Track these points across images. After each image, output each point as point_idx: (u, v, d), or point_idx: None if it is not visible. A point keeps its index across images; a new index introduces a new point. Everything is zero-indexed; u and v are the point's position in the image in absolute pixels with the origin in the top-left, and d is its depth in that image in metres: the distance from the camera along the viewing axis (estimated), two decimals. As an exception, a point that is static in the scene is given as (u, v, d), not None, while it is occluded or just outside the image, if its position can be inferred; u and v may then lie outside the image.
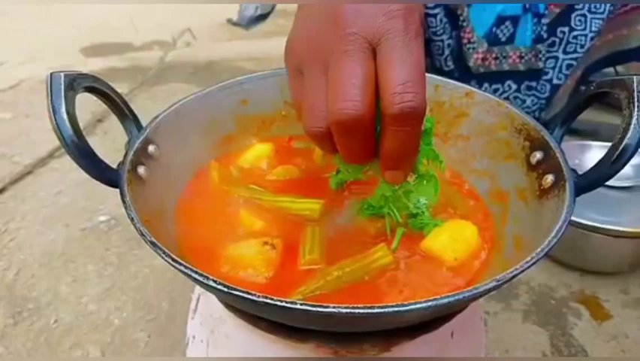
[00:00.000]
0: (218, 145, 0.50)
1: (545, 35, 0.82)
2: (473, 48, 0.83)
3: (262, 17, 1.68)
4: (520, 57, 0.84)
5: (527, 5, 0.80)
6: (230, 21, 1.92)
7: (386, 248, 0.38)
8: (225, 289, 0.27)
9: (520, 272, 0.29)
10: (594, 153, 0.81)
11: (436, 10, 0.79)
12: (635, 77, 0.33)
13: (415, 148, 0.34)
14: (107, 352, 0.64)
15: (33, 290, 0.73)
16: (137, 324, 0.68)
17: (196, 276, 0.28)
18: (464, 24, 0.81)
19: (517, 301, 0.71)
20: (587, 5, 0.79)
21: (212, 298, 0.42)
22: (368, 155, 0.34)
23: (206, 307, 0.44)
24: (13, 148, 1.11)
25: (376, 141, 0.33)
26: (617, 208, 0.71)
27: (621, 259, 0.73)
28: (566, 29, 0.81)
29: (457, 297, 0.27)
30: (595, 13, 0.80)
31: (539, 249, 0.31)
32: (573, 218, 0.52)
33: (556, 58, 0.84)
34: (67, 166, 1.04)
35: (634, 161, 0.37)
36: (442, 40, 0.82)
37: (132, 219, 0.32)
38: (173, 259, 0.29)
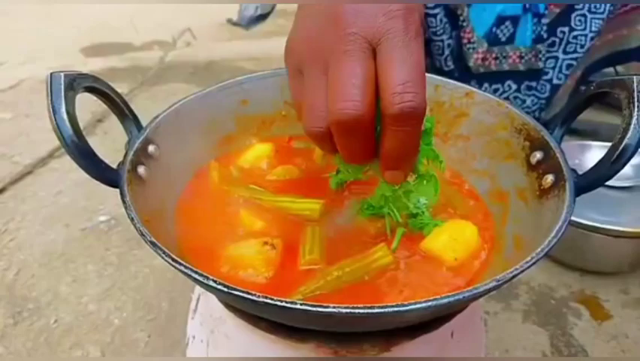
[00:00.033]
0: (218, 145, 0.50)
1: (545, 35, 0.82)
2: (473, 48, 0.83)
3: (262, 17, 1.68)
4: (520, 57, 0.84)
5: (527, 5, 0.80)
6: (230, 21, 1.92)
7: (386, 248, 0.38)
8: (225, 289, 0.27)
9: (520, 272, 0.29)
10: (594, 153, 0.81)
11: (436, 10, 0.79)
12: (635, 77, 0.33)
13: (415, 148, 0.34)
14: (107, 352, 0.64)
15: (33, 290, 0.74)
16: (137, 324, 0.68)
17: (196, 276, 0.28)
18: (464, 24, 0.81)
19: (517, 301, 0.71)
20: (587, 5, 0.79)
21: (212, 298, 0.42)
22: (368, 155, 0.34)
23: (206, 307, 0.44)
24: (13, 148, 1.11)
25: (376, 141, 0.33)
26: (617, 208, 0.71)
27: (621, 259, 0.73)
28: (566, 29, 0.81)
29: (457, 297, 0.27)
30: (595, 13, 0.80)
31: (539, 249, 0.31)
32: (573, 218, 0.52)
33: (557, 58, 0.84)
34: (67, 166, 1.04)
35: (634, 161, 0.37)
36: (442, 40, 0.82)
37: (132, 219, 0.32)
38: (173, 259, 0.29)
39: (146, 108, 0.85)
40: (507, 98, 0.87)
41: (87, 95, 0.37)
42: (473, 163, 0.48)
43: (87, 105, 1.17)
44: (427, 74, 0.49)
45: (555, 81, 0.86)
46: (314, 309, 0.26)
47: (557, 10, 0.80)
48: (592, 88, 0.37)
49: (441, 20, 0.80)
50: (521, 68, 0.85)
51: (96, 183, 0.35)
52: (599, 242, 0.70)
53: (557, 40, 0.82)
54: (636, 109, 0.33)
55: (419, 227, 0.40)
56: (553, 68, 0.85)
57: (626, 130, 0.33)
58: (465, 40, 0.82)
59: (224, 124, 0.50)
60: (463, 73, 0.85)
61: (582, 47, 0.82)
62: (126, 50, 1.78)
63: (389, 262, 0.37)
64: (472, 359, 0.45)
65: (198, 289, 0.49)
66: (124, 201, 0.34)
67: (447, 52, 0.83)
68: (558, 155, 0.38)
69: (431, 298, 0.26)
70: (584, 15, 0.80)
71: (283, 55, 0.38)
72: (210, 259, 0.37)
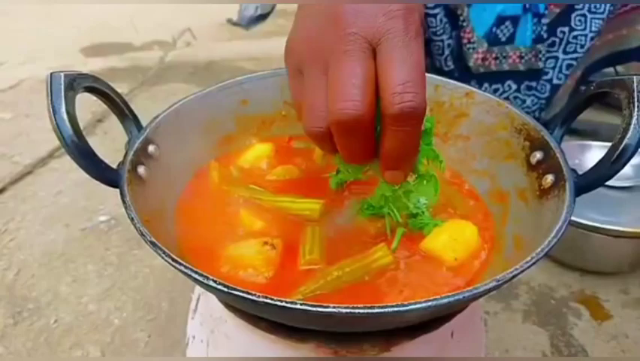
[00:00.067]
0: (218, 145, 0.50)
1: (545, 35, 0.82)
2: (473, 48, 0.83)
3: (262, 17, 1.68)
4: (520, 57, 0.84)
5: (527, 5, 0.80)
6: (230, 21, 1.92)
7: (386, 248, 0.38)
8: (225, 289, 0.27)
9: (520, 272, 0.29)
10: (594, 153, 0.81)
11: (436, 10, 0.79)
12: (635, 77, 0.33)
13: (415, 148, 0.34)
14: (107, 352, 0.64)
15: (33, 290, 0.74)
16: (137, 324, 0.68)
17: (196, 276, 0.28)
18: (464, 24, 0.81)
19: (517, 301, 0.71)
20: (587, 5, 0.79)
21: (212, 298, 0.42)
22: (368, 155, 0.34)
23: (206, 307, 0.44)
24: (13, 148, 1.11)
25: (376, 141, 0.33)
26: (617, 208, 0.71)
27: (621, 259, 0.73)
28: (566, 29, 0.81)
29: (457, 297, 0.27)
30: (595, 13, 0.80)
31: (539, 249, 0.31)
32: (573, 218, 0.52)
33: (557, 58, 0.84)
34: (67, 166, 1.04)
35: (634, 161, 0.37)
36: (442, 41, 0.82)
37: (132, 219, 0.32)
38: (173, 259, 0.29)
39: (146, 108, 0.85)
40: (507, 98, 0.87)
41: (87, 95, 0.37)
42: (473, 163, 0.48)
43: (87, 105, 1.17)
44: (427, 74, 0.49)
45: (555, 81, 0.86)
46: (314, 309, 0.26)
47: (557, 10, 0.80)
48: (592, 88, 0.37)
49: (441, 20, 0.80)
50: (521, 68, 0.85)
51: (96, 183, 0.35)
52: (599, 242, 0.70)
53: (557, 40, 0.82)
54: (636, 109, 0.33)
55: (419, 227, 0.40)
56: (554, 68, 0.85)
57: (626, 130, 0.33)
58: (465, 40, 0.82)
59: (224, 124, 0.50)
60: (463, 73, 0.85)
61: (582, 46, 0.82)
62: (126, 50, 1.78)
63: (389, 262, 0.37)
64: (472, 359, 0.45)
65: (198, 289, 0.49)
66: (124, 201, 0.34)
67: (447, 52, 0.83)
68: (558, 155, 0.38)
69: (431, 298, 0.26)
70: (584, 15, 0.80)
71: (283, 55, 0.38)
72: (210, 259, 0.37)
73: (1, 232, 0.85)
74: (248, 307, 0.33)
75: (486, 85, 0.86)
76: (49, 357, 0.64)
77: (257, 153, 0.50)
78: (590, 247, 0.71)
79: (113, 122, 0.76)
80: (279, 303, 0.26)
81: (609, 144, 0.34)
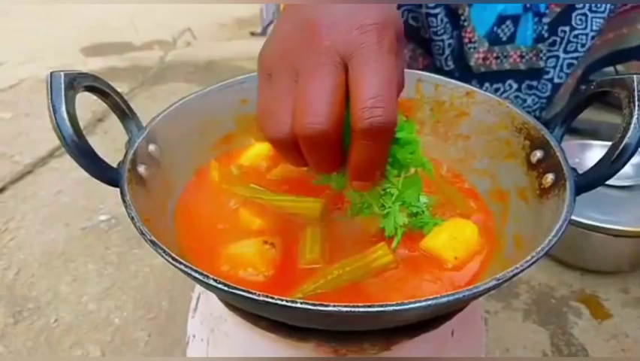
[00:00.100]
0: (218, 144, 0.50)
1: (546, 34, 0.82)
2: (474, 48, 0.83)
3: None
4: (521, 56, 0.84)
5: (528, 4, 0.80)
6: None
7: (386, 247, 0.38)
8: (226, 288, 0.27)
9: (520, 271, 0.29)
10: (594, 152, 0.81)
11: (437, 10, 0.79)
12: (635, 76, 0.33)
13: (382, 161, 0.34)
14: (107, 351, 0.64)
15: (33, 290, 0.74)
16: (137, 323, 0.68)
17: (196, 275, 0.28)
18: (465, 24, 0.81)
19: (517, 301, 0.71)
20: (587, 4, 0.79)
21: (212, 297, 0.42)
22: (335, 165, 0.34)
23: (207, 306, 0.44)
24: (13, 147, 1.11)
25: (346, 151, 0.33)
26: (618, 207, 0.71)
27: (621, 259, 0.73)
28: (567, 28, 0.81)
29: (456, 296, 0.27)
30: (596, 12, 0.80)
31: (539, 248, 0.31)
32: (573, 217, 0.52)
33: (557, 57, 0.84)
34: (67, 165, 1.04)
35: (634, 160, 0.37)
36: (443, 40, 0.82)
37: (132, 219, 0.32)
38: (173, 258, 0.29)
39: (146, 108, 0.85)
40: (508, 98, 0.87)
41: (87, 94, 0.37)
42: (473, 162, 0.48)
43: (87, 104, 1.17)
44: (428, 73, 0.50)
45: (556, 80, 0.86)
46: (314, 308, 0.26)
47: (558, 10, 0.80)
48: (592, 87, 0.37)
49: (442, 20, 0.80)
50: (522, 67, 0.85)
51: (96, 182, 0.35)
52: (599, 241, 0.69)
53: (558, 39, 0.82)
54: (636, 108, 0.32)
55: (419, 226, 0.40)
56: (554, 67, 0.85)
57: (626, 129, 0.33)
58: (466, 40, 0.82)
59: (225, 123, 0.50)
60: (463, 72, 0.85)
61: (583, 45, 0.82)
62: (126, 49, 1.78)
63: (389, 261, 0.37)
64: (473, 358, 0.45)
65: (198, 288, 0.49)
66: (124, 201, 0.34)
67: (447, 51, 0.83)
68: (558, 154, 0.38)
69: (431, 297, 0.26)
70: (584, 14, 0.80)
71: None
72: (210, 258, 0.38)
73: (1, 231, 0.85)
74: (248, 306, 0.33)
75: (487, 84, 0.86)
76: (50, 356, 0.64)
77: (257, 152, 0.50)
78: (590, 246, 0.71)
79: (113, 121, 0.76)
80: (279, 302, 0.26)
81: (609, 143, 0.34)
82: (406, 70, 0.36)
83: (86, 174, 0.34)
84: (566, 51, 0.83)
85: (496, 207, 0.44)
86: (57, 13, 2.11)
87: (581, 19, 0.80)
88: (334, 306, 0.25)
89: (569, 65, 0.85)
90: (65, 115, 0.33)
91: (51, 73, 0.33)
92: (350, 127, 0.30)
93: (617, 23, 0.83)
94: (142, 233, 0.31)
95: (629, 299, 0.71)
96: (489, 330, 0.66)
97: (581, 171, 0.36)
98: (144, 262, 0.78)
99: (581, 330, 0.67)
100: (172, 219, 0.42)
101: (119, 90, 0.40)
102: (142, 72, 1.53)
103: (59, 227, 0.86)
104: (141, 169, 0.38)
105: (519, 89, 0.87)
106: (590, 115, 0.86)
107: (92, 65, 1.60)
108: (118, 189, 0.35)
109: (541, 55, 0.83)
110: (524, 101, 0.88)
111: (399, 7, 0.80)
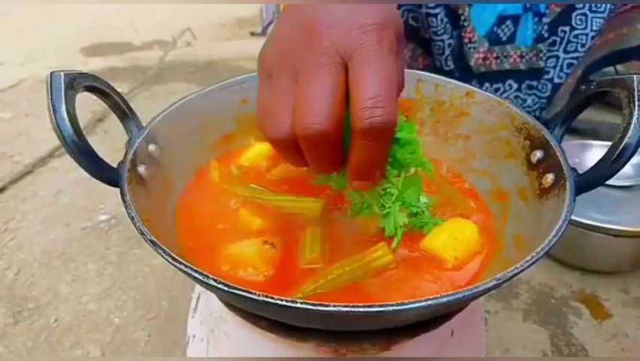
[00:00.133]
0: (218, 144, 0.50)
1: (546, 34, 0.82)
2: (474, 48, 0.83)
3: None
4: (521, 56, 0.84)
5: (528, 4, 0.80)
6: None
7: (386, 247, 0.38)
8: (226, 288, 0.27)
9: (520, 271, 0.29)
10: (594, 152, 0.81)
11: (437, 10, 0.79)
12: (635, 76, 0.33)
13: (382, 161, 0.34)
14: (107, 351, 0.64)
15: (33, 290, 0.74)
16: (137, 323, 0.68)
17: (196, 275, 0.28)
18: (465, 24, 0.81)
19: (517, 301, 0.71)
20: (587, 4, 0.79)
21: (212, 297, 0.42)
22: (335, 165, 0.34)
23: (207, 306, 0.44)
24: (13, 147, 1.11)
25: (346, 151, 0.33)
26: (618, 207, 0.71)
27: (621, 259, 0.73)
28: (567, 28, 0.81)
29: (456, 296, 0.27)
30: (596, 12, 0.80)
31: (539, 248, 0.31)
32: (573, 217, 0.52)
33: (557, 57, 0.84)
34: (67, 165, 1.04)
35: (634, 160, 0.37)
36: (443, 40, 0.82)
37: (132, 219, 0.32)
38: (173, 258, 0.29)
39: (146, 108, 0.85)
40: (508, 98, 0.87)
41: (87, 94, 0.37)
42: (473, 162, 0.48)
43: (87, 104, 1.17)
44: (428, 74, 0.50)
45: (556, 80, 0.86)
46: (314, 308, 0.26)
47: (558, 10, 0.80)
48: (592, 87, 0.37)
49: (442, 20, 0.80)
50: (522, 67, 0.85)
51: (96, 182, 0.35)
52: (599, 241, 0.70)
53: (558, 39, 0.82)
54: (636, 108, 0.32)
55: (419, 226, 0.40)
56: (554, 67, 0.85)
57: (626, 129, 0.33)
58: (466, 40, 0.82)
59: (225, 123, 0.50)
60: (463, 72, 0.85)
61: (583, 45, 0.82)
62: (126, 49, 1.78)
63: (389, 261, 0.37)
64: (473, 358, 0.45)
65: (198, 288, 0.49)
66: (124, 200, 0.34)
67: (447, 51, 0.83)
68: (558, 154, 0.38)
69: (431, 297, 0.26)
70: (584, 14, 0.80)
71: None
72: (210, 258, 0.38)
73: (1, 231, 0.85)
74: (248, 306, 0.33)
75: (487, 84, 0.86)
76: (50, 356, 0.64)
77: (257, 152, 0.50)
78: (590, 246, 0.71)
79: (114, 121, 0.76)
80: (279, 302, 0.26)
81: (609, 143, 0.34)
82: (406, 70, 0.36)
83: (86, 174, 0.34)
84: (566, 51, 0.83)
85: (496, 207, 0.44)
86: (57, 13, 2.11)
87: (581, 19, 0.80)
88: (334, 306, 0.25)
89: (569, 65, 0.85)
90: (65, 115, 0.33)
91: (51, 73, 0.33)
92: (350, 127, 0.30)
93: (617, 23, 0.83)
94: (142, 233, 0.31)
95: (629, 299, 0.71)
96: (489, 330, 0.66)
97: (581, 171, 0.36)
98: (144, 262, 0.78)
99: (581, 330, 0.67)
100: (172, 219, 0.42)
101: (119, 90, 0.40)
102: (142, 72, 1.53)
103: (59, 227, 0.86)
104: (141, 169, 0.38)
105: (519, 89, 0.87)
106: (590, 115, 0.86)
107: (92, 65, 1.60)
108: (118, 189, 0.35)
109: (541, 55, 0.83)
110: (524, 101, 0.88)
111: (399, 7, 0.80)
